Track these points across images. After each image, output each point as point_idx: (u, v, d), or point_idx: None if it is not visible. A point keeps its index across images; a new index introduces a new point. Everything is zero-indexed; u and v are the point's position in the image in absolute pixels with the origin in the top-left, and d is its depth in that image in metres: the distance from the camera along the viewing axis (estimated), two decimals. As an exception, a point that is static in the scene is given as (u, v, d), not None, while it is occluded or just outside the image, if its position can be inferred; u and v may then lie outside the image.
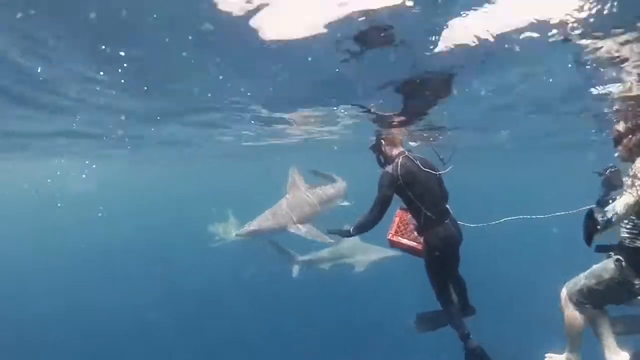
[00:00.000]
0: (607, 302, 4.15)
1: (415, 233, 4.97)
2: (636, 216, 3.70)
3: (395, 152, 4.90)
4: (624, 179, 3.74)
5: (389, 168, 4.60)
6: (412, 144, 10.20)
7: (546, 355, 4.54)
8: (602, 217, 3.44)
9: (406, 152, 4.82)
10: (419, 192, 4.56)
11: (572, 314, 4.18)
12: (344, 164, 13.63)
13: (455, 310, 4.78)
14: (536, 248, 19.09)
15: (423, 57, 4.46)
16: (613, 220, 3.47)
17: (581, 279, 4.14)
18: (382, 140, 5.02)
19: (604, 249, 3.98)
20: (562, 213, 4.21)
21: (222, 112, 8.07)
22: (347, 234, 4.70)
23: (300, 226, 8.72)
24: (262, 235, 8.90)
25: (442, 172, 4.80)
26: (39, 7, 3.49)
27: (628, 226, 3.83)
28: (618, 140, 4.02)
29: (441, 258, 4.64)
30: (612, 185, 4.49)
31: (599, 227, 3.43)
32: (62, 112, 7.46)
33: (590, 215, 3.44)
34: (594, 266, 4.12)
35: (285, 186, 9.45)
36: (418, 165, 4.66)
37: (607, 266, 3.97)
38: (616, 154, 4.11)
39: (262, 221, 8.72)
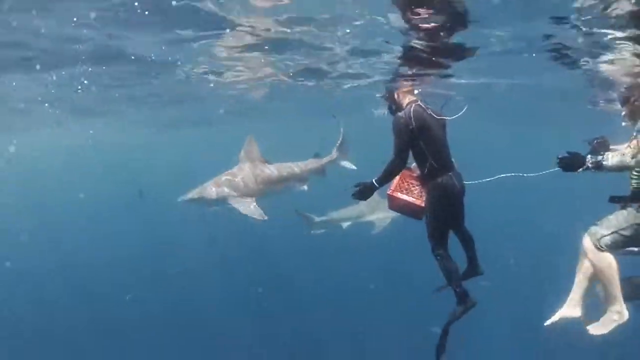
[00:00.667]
0: (626, 246, 4.27)
1: (417, 189, 4.93)
2: None
3: (407, 100, 4.99)
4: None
5: (402, 113, 4.70)
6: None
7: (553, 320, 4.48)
8: (593, 159, 3.95)
9: (419, 101, 4.90)
10: (428, 140, 4.64)
11: (604, 258, 4.19)
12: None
13: (452, 267, 4.75)
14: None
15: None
16: (602, 163, 3.91)
17: (605, 226, 4.23)
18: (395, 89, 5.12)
19: (617, 200, 4.27)
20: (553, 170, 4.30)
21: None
22: (372, 187, 4.67)
23: (241, 199, 8.28)
24: (203, 204, 8.52)
25: (454, 117, 4.84)
26: None
27: (636, 175, 4.14)
28: (625, 100, 4.41)
29: (442, 209, 4.73)
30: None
31: (589, 164, 3.95)
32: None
33: (579, 155, 4.02)
34: (614, 214, 4.25)
35: (238, 156, 8.81)
36: (430, 113, 4.75)
37: (629, 213, 4.17)
38: (622, 113, 4.44)
39: (204, 190, 8.36)
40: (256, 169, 8.70)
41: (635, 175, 4.18)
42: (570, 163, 4.05)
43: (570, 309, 4.45)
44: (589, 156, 4.00)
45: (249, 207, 8.13)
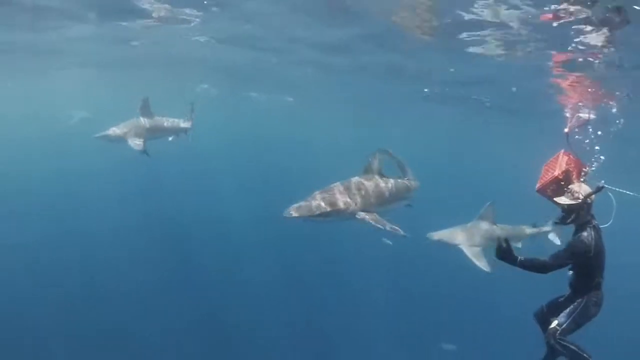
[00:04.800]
0: None
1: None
2: None
3: (588, 216, 4.69)
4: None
5: (585, 237, 4.55)
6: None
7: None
8: None
9: (594, 220, 4.70)
10: (600, 262, 4.70)
11: None
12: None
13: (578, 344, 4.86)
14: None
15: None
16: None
17: None
18: (588, 199, 4.58)
19: None
20: None
21: None
22: (513, 260, 4.45)
23: (133, 139, 11.00)
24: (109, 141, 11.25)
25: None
26: None
27: None
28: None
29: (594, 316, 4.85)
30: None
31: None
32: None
33: None
34: None
35: None
36: (600, 233, 4.70)
37: None
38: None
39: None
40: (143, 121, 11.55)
41: None
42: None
43: None
44: None
45: (135, 143, 10.87)
